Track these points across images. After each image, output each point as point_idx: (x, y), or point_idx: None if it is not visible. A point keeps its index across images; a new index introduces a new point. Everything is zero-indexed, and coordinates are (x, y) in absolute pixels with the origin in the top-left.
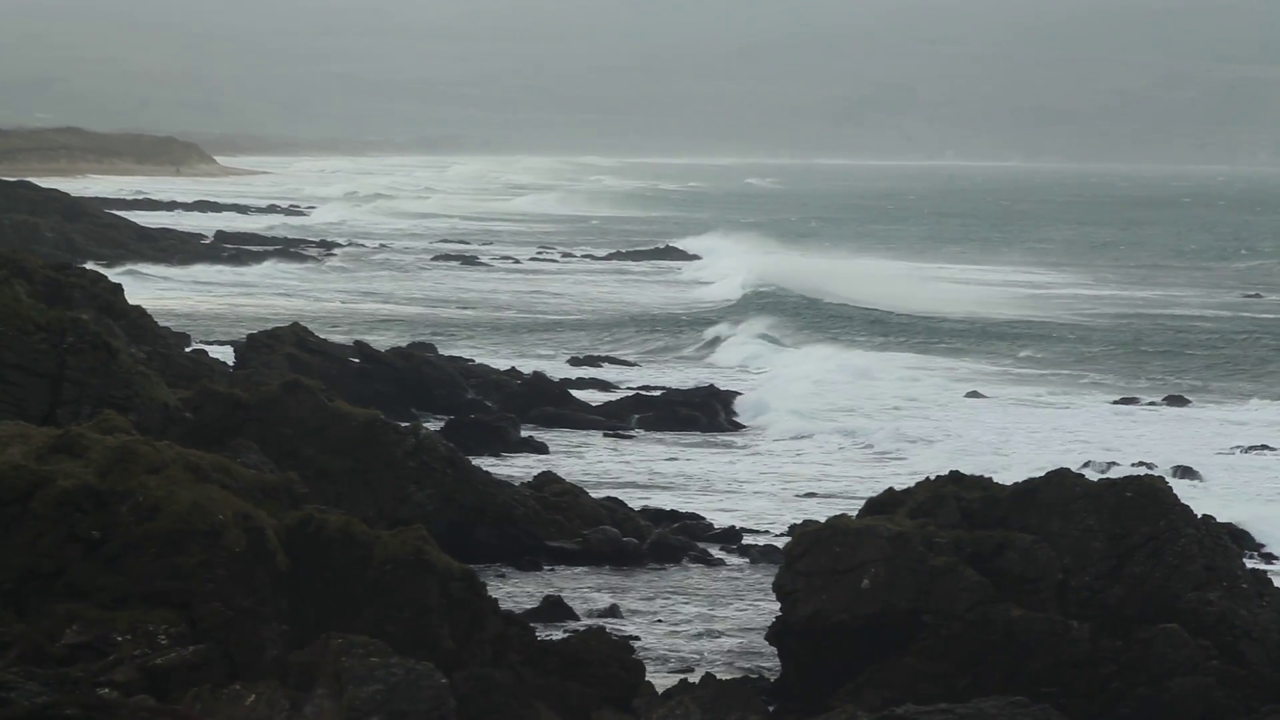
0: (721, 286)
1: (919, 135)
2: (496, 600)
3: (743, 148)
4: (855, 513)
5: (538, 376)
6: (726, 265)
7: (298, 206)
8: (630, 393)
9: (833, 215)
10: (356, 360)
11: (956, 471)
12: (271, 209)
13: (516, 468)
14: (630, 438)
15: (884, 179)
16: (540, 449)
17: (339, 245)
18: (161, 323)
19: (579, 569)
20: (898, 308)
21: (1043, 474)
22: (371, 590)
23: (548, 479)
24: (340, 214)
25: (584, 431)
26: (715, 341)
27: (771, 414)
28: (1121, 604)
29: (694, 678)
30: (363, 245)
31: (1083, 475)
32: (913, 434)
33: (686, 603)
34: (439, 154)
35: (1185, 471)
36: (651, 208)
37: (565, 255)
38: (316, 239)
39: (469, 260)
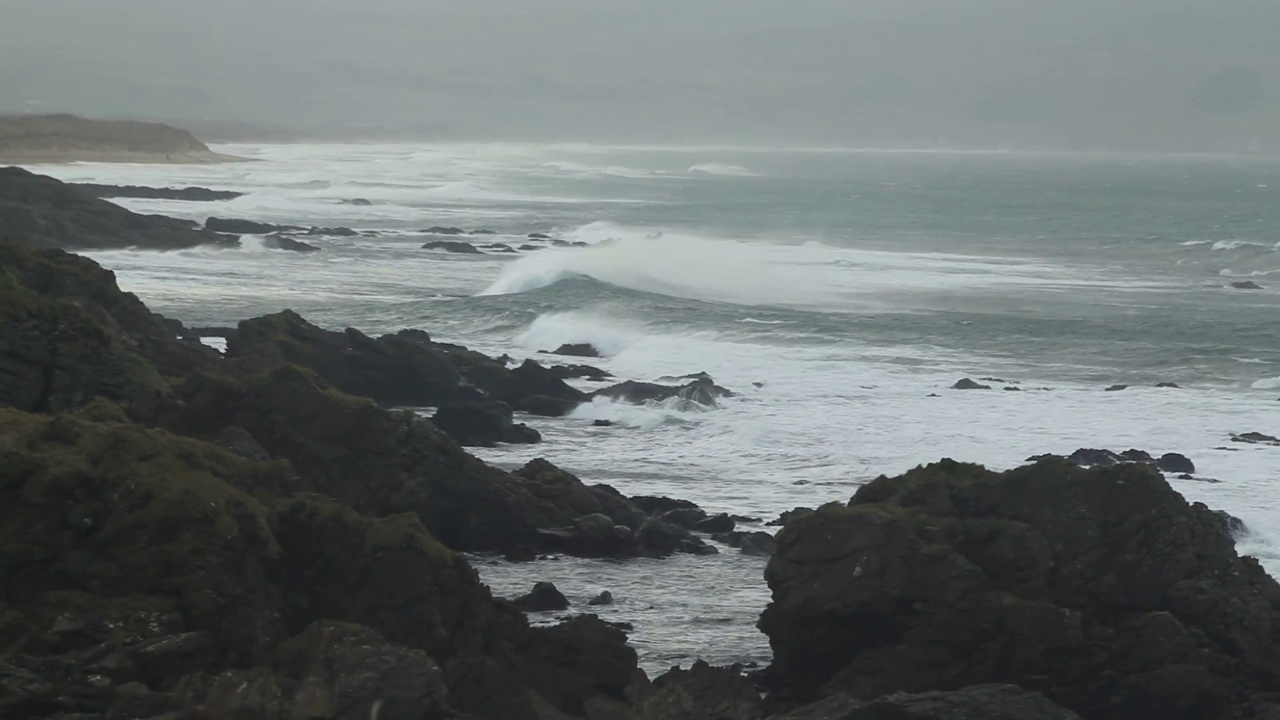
0: (527, 274)
1: (911, 124)
2: (488, 588)
3: (735, 136)
4: (847, 500)
5: (530, 365)
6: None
7: (233, 192)
8: (622, 380)
9: (775, 202)
10: (349, 348)
11: (948, 459)
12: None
13: (508, 455)
14: (622, 425)
15: (857, 166)
16: (532, 437)
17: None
18: (153, 310)
19: (571, 557)
20: (756, 298)
21: (1034, 462)
22: (363, 578)
23: (539, 466)
24: (272, 201)
25: (575, 418)
26: (530, 326)
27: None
28: (1113, 592)
29: (686, 665)
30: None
31: (1074, 463)
32: (895, 425)
33: (678, 590)
34: (431, 141)
35: (1176, 459)
36: (581, 194)
37: (557, 241)
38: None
39: (459, 247)
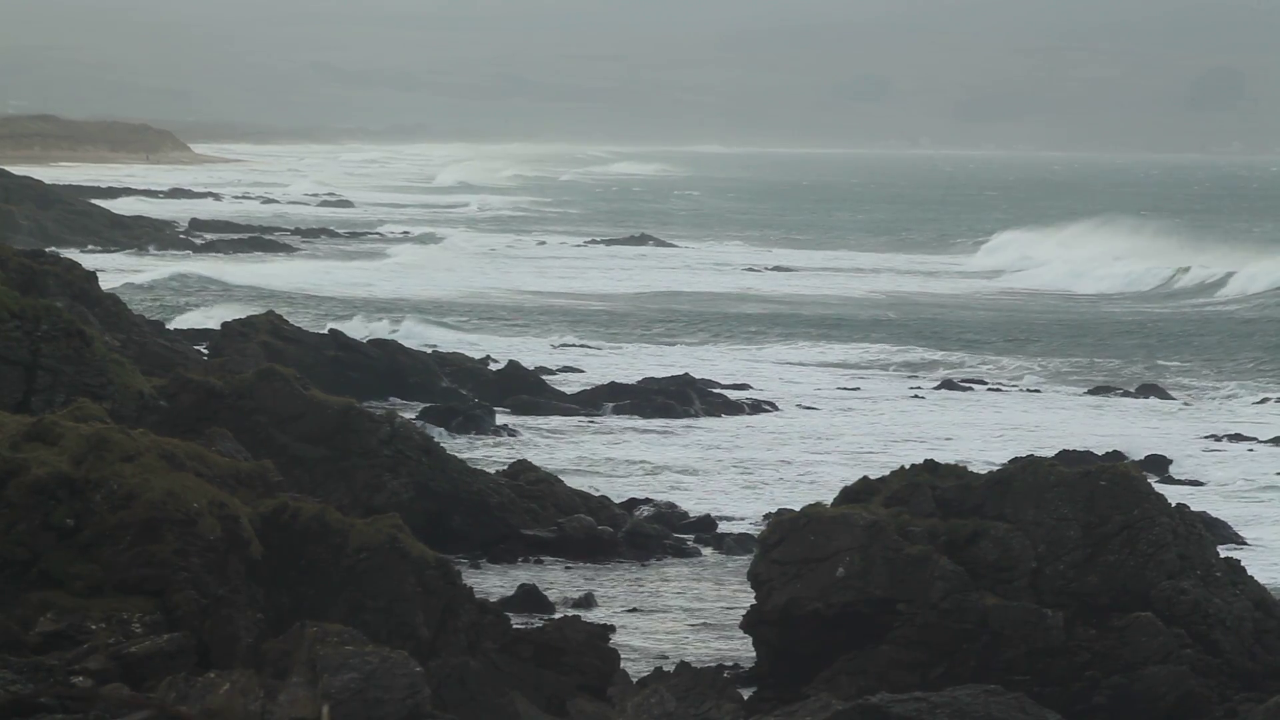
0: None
1: (895, 124)
2: (471, 589)
3: (718, 136)
4: (830, 501)
5: (513, 365)
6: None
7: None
8: (605, 380)
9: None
10: (331, 349)
11: (931, 460)
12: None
13: (492, 456)
14: (605, 426)
15: (802, 166)
16: (515, 437)
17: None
18: (135, 310)
19: (554, 558)
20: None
21: (1017, 463)
22: (346, 578)
23: (523, 467)
24: (147, 205)
25: (559, 419)
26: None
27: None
28: (1096, 592)
29: (669, 666)
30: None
31: (1057, 464)
32: (881, 425)
33: (661, 591)
34: (413, 142)
35: (1159, 460)
36: (457, 195)
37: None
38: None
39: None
